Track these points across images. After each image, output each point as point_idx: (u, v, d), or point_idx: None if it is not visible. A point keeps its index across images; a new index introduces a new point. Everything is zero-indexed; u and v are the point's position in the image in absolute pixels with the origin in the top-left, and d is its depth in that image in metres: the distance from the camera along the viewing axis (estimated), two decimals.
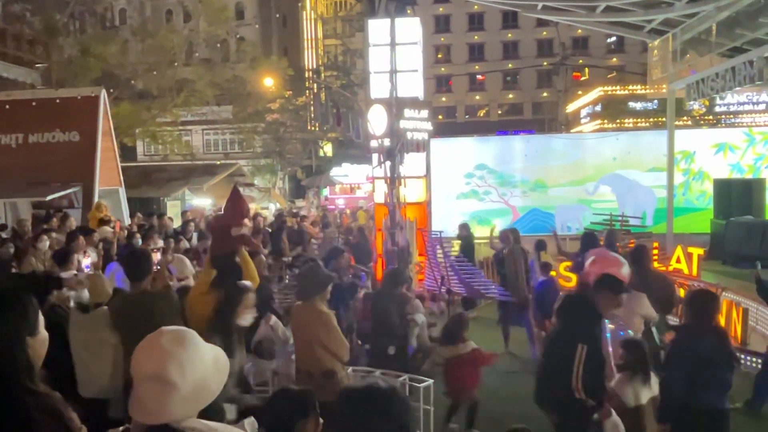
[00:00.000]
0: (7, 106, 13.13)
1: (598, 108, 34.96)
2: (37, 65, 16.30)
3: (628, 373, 4.35)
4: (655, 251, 10.13)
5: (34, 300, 2.37)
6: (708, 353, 3.94)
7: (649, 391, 4.27)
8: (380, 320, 5.95)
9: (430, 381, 5.23)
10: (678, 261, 10.07)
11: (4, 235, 9.12)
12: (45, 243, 7.63)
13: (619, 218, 11.18)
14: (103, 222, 9.80)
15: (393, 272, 6.24)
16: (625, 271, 5.07)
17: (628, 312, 5.33)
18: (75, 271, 6.54)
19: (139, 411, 1.81)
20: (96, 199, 12.02)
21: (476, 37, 47.64)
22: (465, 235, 10.69)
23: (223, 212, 5.13)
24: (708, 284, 8.11)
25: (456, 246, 10.19)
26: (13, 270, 6.58)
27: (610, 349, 4.63)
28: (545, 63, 39.85)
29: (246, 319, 3.81)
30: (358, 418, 1.73)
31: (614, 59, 43.62)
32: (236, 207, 4.64)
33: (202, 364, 1.84)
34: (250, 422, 2.47)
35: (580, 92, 38.45)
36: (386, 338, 5.82)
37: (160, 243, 9.04)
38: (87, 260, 7.14)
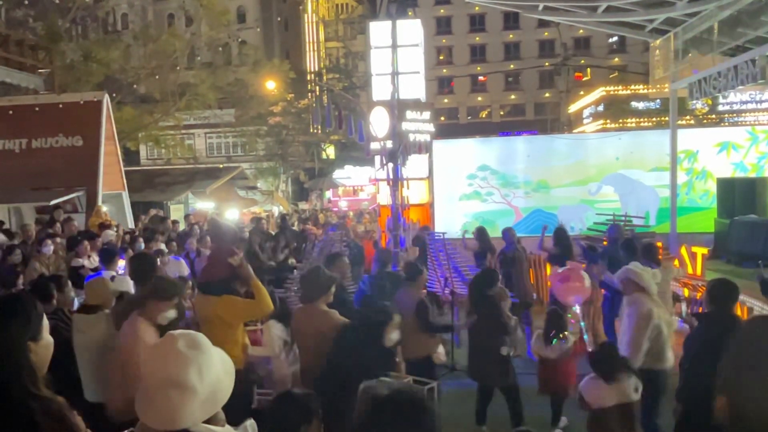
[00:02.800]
0: (11, 112, 13.18)
1: (601, 108, 34.95)
2: (39, 70, 16.32)
3: (596, 375, 4.32)
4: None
5: (38, 304, 2.38)
6: (726, 340, 4.12)
7: (615, 397, 4.20)
8: (486, 323, 5.64)
9: (435, 383, 5.23)
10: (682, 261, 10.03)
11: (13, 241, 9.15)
12: (49, 248, 7.66)
13: (622, 218, 11.15)
14: (104, 227, 9.84)
15: (487, 273, 6.05)
16: (587, 284, 5.53)
17: (665, 283, 6.27)
18: (113, 273, 6.57)
19: (155, 418, 1.78)
20: (100, 203, 12.06)
21: (478, 39, 47.66)
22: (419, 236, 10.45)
23: (217, 245, 5.20)
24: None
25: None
26: (19, 275, 6.60)
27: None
28: (547, 63, 39.88)
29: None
30: (389, 426, 1.71)
31: (616, 59, 43.62)
32: (230, 238, 4.86)
33: (216, 364, 1.85)
34: (250, 424, 2.46)
35: (582, 92, 38.43)
36: (494, 340, 5.54)
37: (162, 246, 9.06)
38: (122, 263, 7.16)
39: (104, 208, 11.90)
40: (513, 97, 48.40)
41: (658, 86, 13.16)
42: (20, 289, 5.85)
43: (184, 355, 1.79)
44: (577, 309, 5.98)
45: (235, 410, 2.07)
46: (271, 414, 2.66)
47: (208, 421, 1.85)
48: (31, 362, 2.16)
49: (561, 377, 5.63)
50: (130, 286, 5.02)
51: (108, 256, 6.80)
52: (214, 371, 1.83)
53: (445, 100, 47.79)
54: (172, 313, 3.89)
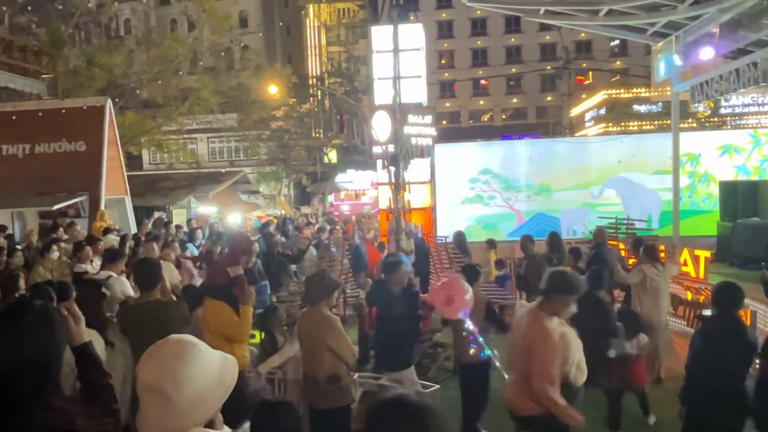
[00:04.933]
0: (14, 117, 13.22)
1: (603, 111, 34.95)
2: (43, 76, 16.38)
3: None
4: (662, 254, 10.09)
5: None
6: (727, 343, 4.18)
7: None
8: (594, 324, 5.49)
9: (437, 386, 5.23)
10: (685, 264, 10.02)
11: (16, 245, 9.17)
12: (54, 253, 7.67)
13: (625, 221, 11.15)
14: (108, 231, 9.85)
15: (597, 275, 5.95)
16: (468, 297, 5.04)
17: (663, 281, 6.79)
18: (110, 274, 6.57)
19: (141, 421, 1.80)
20: (102, 207, 12.08)
21: (479, 42, 47.70)
22: (418, 244, 10.12)
23: (227, 252, 5.16)
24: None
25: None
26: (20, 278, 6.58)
27: None
28: (549, 67, 39.85)
29: None
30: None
31: (618, 62, 43.58)
32: (238, 247, 4.82)
33: (202, 378, 1.80)
34: (247, 428, 2.47)
35: (584, 96, 38.42)
36: (602, 342, 5.46)
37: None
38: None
39: (107, 212, 11.93)
40: (515, 100, 48.41)
41: (660, 89, 13.15)
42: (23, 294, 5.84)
43: (163, 363, 1.79)
44: (470, 325, 5.36)
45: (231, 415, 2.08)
46: (255, 424, 2.66)
47: (209, 424, 1.85)
48: (58, 371, 2.15)
49: (636, 373, 5.76)
50: (127, 288, 5.03)
51: (110, 256, 6.81)
52: (198, 383, 1.78)
53: (447, 104, 47.80)
54: (573, 308, 3.84)
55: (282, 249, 10.25)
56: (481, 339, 5.17)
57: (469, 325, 5.06)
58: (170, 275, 7.40)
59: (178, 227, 12.08)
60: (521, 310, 4.04)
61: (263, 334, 5.80)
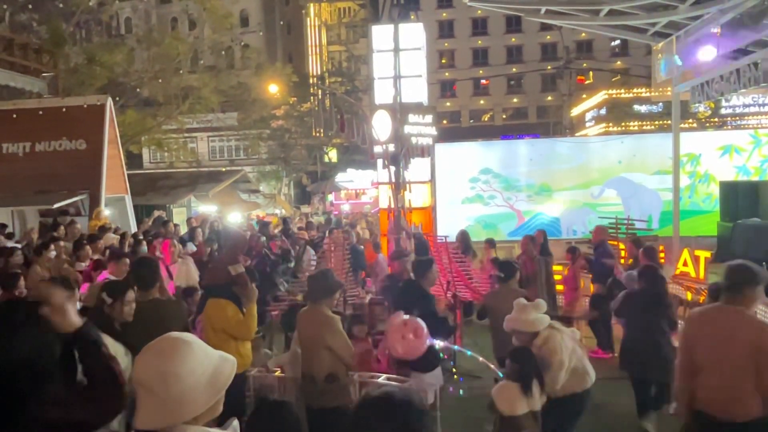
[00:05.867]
0: (15, 115, 13.24)
1: (603, 111, 34.95)
2: (43, 74, 16.41)
3: (510, 382, 4.20)
4: (662, 255, 10.10)
5: None
6: None
7: (526, 404, 4.11)
8: (656, 318, 5.60)
9: (438, 386, 5.22)
10: (685, 264, 10.01)
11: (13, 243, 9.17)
12: (51, 252, 7.66)
13: (625, 222, 11.13)
14: (104, 230, 9.85)
15: (657, 272, 5.89)
16: (419, 332, 4.73)
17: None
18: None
19: (135, 416, 1.84)
20: (102, 206, 12.09)
21: (480, 42, 47.69)
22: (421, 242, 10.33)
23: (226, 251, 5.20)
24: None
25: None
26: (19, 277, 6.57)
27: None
28: (549, 67, 39.83)
29: None
30: (375, 427, 1.72)
31: (618, 62, 43.57)
32: (237, 246, 4.81)
33: (191, 376, 1.80)
34: (236, 425, 2.47)
35: (584, 96, 38.41)
36: (662, 335, 5.55)
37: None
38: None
39: (106, 212, 11.93)
40: (515, 100, 48.40)
41: (661, 89, 13.15)
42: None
43: (152, 360, 1.82)
44: (438, 344, 5.09)
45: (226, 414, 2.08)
46: (253, 425, 2.65)
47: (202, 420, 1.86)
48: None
49: None
50: None
51: (114, 256, 6.79)
52: (186, 381, 1.79)
53: (448, 104, 47.78)
54: (764, 297, 3.74)
55: (269, 250, 10.13)
56: (456, 347, 5.09)
57: (437, 344, 4.97)
58: (187, 275, 7.42)
59: (176, 226, 12.09)
60: (697, 309, 3.94)
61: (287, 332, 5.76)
